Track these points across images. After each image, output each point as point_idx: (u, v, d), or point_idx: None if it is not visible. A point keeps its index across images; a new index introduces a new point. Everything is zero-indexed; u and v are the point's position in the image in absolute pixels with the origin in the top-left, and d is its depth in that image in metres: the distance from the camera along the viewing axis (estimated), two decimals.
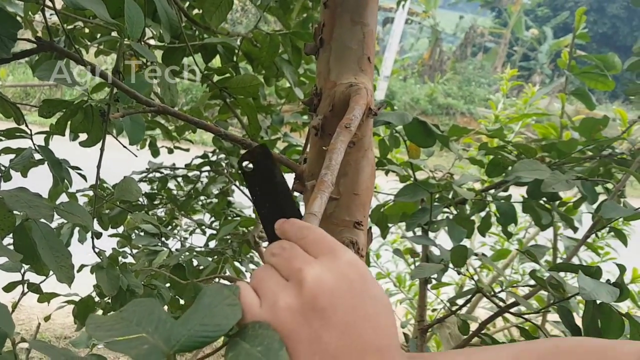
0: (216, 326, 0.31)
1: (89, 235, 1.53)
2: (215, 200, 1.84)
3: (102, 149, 0.94)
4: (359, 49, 0.65)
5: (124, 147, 0.94)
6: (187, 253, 1.65)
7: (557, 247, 1.87)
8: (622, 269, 0.82)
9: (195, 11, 1.48)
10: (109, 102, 0.92)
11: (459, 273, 1.06)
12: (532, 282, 1.03)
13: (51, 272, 0.97)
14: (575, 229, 1.21)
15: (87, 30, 1.60)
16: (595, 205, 1.26)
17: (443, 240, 1.44)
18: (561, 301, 0.87)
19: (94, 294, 1.44)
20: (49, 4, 0.86)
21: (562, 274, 0.99)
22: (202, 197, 1.89)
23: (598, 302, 0.80)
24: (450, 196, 1.30)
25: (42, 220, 0.76)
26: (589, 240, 2.11)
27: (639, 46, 1.25)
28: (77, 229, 1.56)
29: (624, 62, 1.44)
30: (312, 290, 0.34)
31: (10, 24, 0.64)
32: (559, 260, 1.90)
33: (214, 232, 1.92)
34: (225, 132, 0.70)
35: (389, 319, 0.36)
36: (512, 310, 1.05)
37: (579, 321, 0.85)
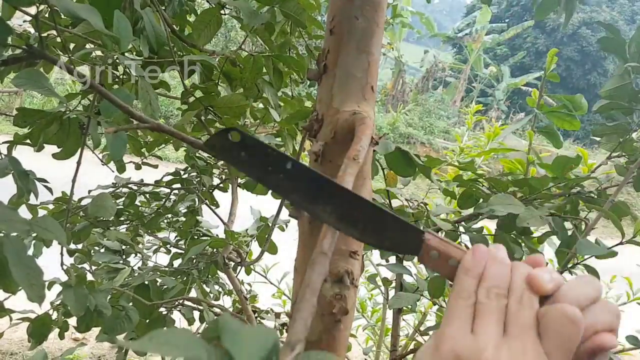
0: None
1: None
2: (182, 218, 1.80)
3: (79, 162, 0.91)
4: (364, 77, 0.65)
5: (103, 163, 0.90)
6: (151, 272, 1.59)
7: None
8: None
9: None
10: (90, 114, 0.89)
11: (434, 303, 1.07)
12: None
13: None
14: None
15: (58, 40, 1.56)
16: (556, 241, 1.29)
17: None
18: None
19: (50, 311, 1.37)
20: (28, 10, 0.82)
21: None
22: (168, 215, 1.84)
23: None
24: (423, 225, 1.31)
25: (13, 234, 0.72)
26: None
27: (607, 89, 1.29)
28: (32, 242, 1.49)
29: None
30: None
31: (1, 29, 0.61)
32: None
33: (178, 250, 1.86)
34: None
35: None
36: None
37: None
